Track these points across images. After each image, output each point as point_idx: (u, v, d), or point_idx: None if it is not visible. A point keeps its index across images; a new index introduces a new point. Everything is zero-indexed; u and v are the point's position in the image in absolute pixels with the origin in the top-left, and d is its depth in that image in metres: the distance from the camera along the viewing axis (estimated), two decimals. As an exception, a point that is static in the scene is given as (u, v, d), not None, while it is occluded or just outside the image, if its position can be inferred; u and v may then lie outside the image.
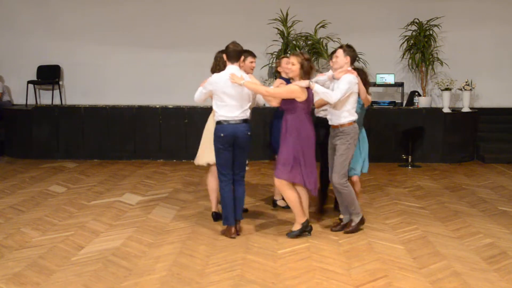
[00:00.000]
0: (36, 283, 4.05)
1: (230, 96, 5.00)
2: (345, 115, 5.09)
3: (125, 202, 6.51)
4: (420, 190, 7.23)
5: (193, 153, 9.29)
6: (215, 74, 5.11)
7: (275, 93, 5.02)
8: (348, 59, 5.12)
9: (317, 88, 4.91)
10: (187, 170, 8.55)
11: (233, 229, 5.13)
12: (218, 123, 5.06)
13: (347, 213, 5.33)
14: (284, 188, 5.01)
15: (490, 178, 8.03)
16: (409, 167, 8.90)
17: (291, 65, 4.96)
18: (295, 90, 4.88)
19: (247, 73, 5.65)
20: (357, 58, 5.91)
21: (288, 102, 4.96)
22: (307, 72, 4.94)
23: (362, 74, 5.36)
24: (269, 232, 5.28)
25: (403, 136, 9.11)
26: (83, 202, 6.52)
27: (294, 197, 5.03)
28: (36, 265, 4.41)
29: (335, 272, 4.28)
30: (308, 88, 4.93)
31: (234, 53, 5.04)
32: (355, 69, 5.33)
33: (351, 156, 5.18)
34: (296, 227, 5.13)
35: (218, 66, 5.32)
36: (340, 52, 5.15)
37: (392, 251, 4.77)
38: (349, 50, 5.16)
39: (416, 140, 9.16)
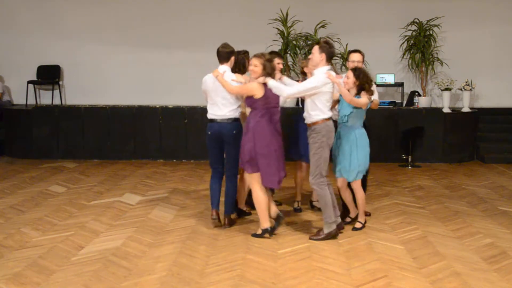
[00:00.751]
0: (36, 283, 4.05)
1: (217, 95, 5.23)
2: (316, 113, 4.98)
3: (125, 202, 6.51)
4: (420, 190, 7.23)
5: (193, 153, 9.38)
6: (207, 75, 5.33)
7: (234, 89, 5.12)
8: (323, 56, 4.98)
9: (270, 83, 4.94)
10: (187, 170, 8.56)
11: (213, 212, 5.37)
12: (209, 121, 5.33)
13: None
14: (256, 188, 5.04)
15: (490, 178, 8.03)
16: (409, 167, 8.90)
17: (254, 66, 5.03)
18: (253, 87, 5.00)
19: None
20: (335, 55, 5.91)
21: (249, 100, 5.09)
22: (269, 73, 5.01)
23: (363, 77, 5.14)
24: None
25: (403, 136, 9.11)
26: (83, 202, 6.52)
27: (262, 199, 5.02)
28: (36, 265, 4.41)
29: (335, 272, 4.28)
30: (266, 86, 4.97)
31: (223, 54, 5.27)
32: (355, 69, 5.23)
33: (326, 156, 5.01)
34: (258, 231, 5.14)
35: (236, 67, 5.44)
36: (315, 48, 5.03)
37: (392, 251, 4.77)
38: (325, 46, 5.00)
39: (416, 140, 9.16)
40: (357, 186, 5.32)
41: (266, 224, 5.08)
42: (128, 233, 5.26)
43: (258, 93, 4.98)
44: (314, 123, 5.00)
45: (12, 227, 5.48)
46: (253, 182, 5.05)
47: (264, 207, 5.04)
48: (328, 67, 5.04)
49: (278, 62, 5.78)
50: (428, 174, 8.35)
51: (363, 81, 5.13)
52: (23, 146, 9.58)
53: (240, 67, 5.45)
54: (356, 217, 5.47)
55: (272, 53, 5.96)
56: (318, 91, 4.94)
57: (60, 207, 6.26)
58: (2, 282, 4.06)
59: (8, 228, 5.43)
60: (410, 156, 9.03)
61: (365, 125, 5.62)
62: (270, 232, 5.08)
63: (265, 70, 4.99)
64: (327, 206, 5.00)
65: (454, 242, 5.03)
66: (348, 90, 5.16)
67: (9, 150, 9.77)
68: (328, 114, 5.01)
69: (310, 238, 5.06)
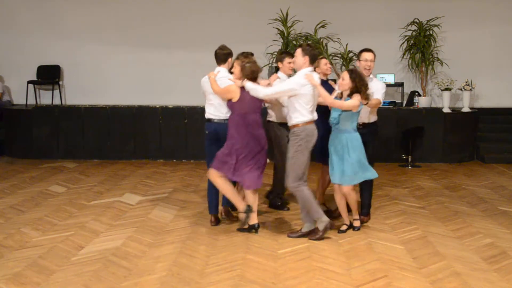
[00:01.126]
0: (36, 283, 4.05)
1: (214, 96, 5.31)
2: (296, 116, 4.96)
3: (125, 202, 6.51)
4: (420, 190, 7.24)
5: (193, 153, 9.38)
6: (205, 76, 5.42)
7: (216, 89, 5.19)
8: (306, 58, 4.95)
9: (247, 85, 4.99)
10: (187, 170, 8.56)
11: (212, 217, 5.53)
12: (207, 120, 5.43)
13: (307, 221, 5.07)
14: (215, 179, 5.14)
15: (490, 178, 8.03)
16: (409, 167, 8.90)
17: (233, 68, 5.13)
18: (231, 89, 5.08)
19: (287, 74, 5.82)
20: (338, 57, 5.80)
21: (228, 103, 5.18)
22: (247, 75, 5.05)
23: (359, 80, 4.94)
24: (269, 232, 5.28)
25: (403, 136, 9.11)
26: (83, 202, 6.52)
27: (225, 184, 5.13)
28: (36, 265, 4.41)
29: (335, 272, 4.28)
30: (243, 90, 5.01)
31: (221, 55, 5.38)
32: (351, 71, 5.05)
33: (304, 160, 4.94)
34: (240, 215, 5.20)
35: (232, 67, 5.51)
36: (298, 51, 5.01)
37: (392, 251, 4.77)
38: (308, 49, 4.97)
39: (416, 140, 9.16)
40: (348, 190, 5.12)
41: (241, 206, 5.13)
42: (128, 233, 5.26)
43: (235, 96, 5.06)
44: (294, 126, 4.98)
45: (12, 227, 5.48)
46: (212, 175, 5.16)
47: (230, 190, 5.15)
48: (311, 68, 5.01)
49: (289, 62, 5.79)
50: (428, 174, 8.35)
51: (359, 85, 4.95)
52: (23, 146, 9.58)
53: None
54: (351, 223, 5.34)
55: (283, 52, 6.05)
56: (296, 93, 4.92)
57: (60, 207, 6.26)
58: (2, 282, 4.06)
59: (8, 228, 5.43)
60: (410, 156, 9.03)
61: (376, 126, 5.51)
62: (249, 210, 5.11)
63: (243, 72, 5.05)
64: (311, 205, 4.96)
65: (454, 242, 5.03)
66: (342, 92, 5.06)
67: (9, 150, 9.77)
68: (309, 116, 4.96)
69: (310, 239, 5.03)
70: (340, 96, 5.12)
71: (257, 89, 4.99)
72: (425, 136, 9.22)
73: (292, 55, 5.91)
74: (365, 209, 5.58)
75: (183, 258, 4.57)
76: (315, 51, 5.04)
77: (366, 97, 4.98)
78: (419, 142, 9.21)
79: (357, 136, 5.09)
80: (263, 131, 5.22)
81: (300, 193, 4.96)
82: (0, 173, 8.23)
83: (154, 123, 9.45)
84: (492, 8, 10.32)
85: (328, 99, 4.98)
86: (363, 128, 5.33)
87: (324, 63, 5.80)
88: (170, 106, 9.50)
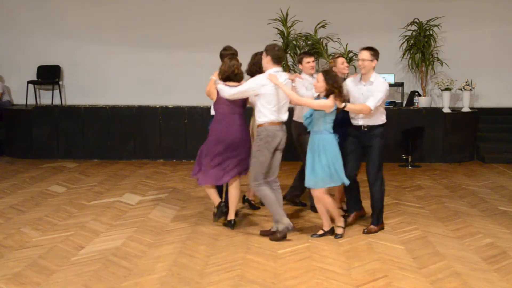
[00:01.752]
0: (36, 283, 4.05)
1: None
2: (259, 115, 5.01)
3: (125, 202, 6.51)
4: (420, 190, 7.24)
5: (193, 153, 9.34)
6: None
7: (206, 90, 5.31)
8: (269, 58, 5.00)
9: (218, 87, 5.12)
10: (187, 170, 8.55)
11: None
12: (210, 116, 5.55)
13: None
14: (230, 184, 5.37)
15: (490, 178, 8.03)
16: (409, 167, 8.91)
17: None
18: (211, 90, 5.23)
19: (308, 73, 5.78)
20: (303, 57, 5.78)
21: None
22: (220, 75, 5.17)
23: (332, 83, 4.79)
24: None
25: (403, 136, 9.11)
26: (83, 202, 6.52)
27: (231, 195, 5.34)
28: (36, 265, 4.42)
29: (335, 272, 4.28)
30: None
31: (224, 56, 5.44)
32: (326, 72, 4.89)
33: (264, 160, 4.93)
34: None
35: (254, 66, 5.54)
36: (264, 52, 5.09)
37: (392, 251, 4.77)
38: (270, 49, 5.00)
39: (416, 140, 9.16)
40: (319, 194, 4.96)
41: (231, 216, 5.38)
42: (128, 233, 5.26)
43: (213, 96, 5.22)
44: (258, 126, 5.04)
45: (12, 227, 5.48)
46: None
47: (233, 201, 5.34)
48: (276, 69, 5.01)
49: (308, 61, 5.72)
50: (428, 174, 8.35)
51: (332, 87, 4.78)
52: (23, 146, 9.58)
53: (256, 68, 5.46)
54: (331, 229, 5.13)
55: (302, 53, 6.10)
56: (256, 93, 4.97)
57: (60, 207, 6.26)
58: (2, 282, 4.06)
59: (8, 228, 5.43)
60: (410, 156, 9.03)
61: (381, 129, 5.22)
62: (232, 225, 5.34)
63: (220, 74, 5.18)
64: (271, 204, 4.99)
65: (454, 242, 5.03)
66: (319, 94, 4.93)
67: (9, 150, 9.76)
68: (271, 117, 4.95)
69: (270, 239, 5.01)
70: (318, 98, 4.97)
71: (223, 90, 5.09)
72: (425, 136, 9.22)
73: (309, 54, 5.95)
74: (373, 216, 5.35)
75: (183, 258, 4.57)
76: (277, 52, 5.03)
77: (341, 99, 4.84)
78: (419, 142, 9.21)
79: (332, 139, 4.91)
80: (243, 134, 5.22)
81: (260, 192, 5.03)
82: (0, 173, 8.23)
83: (154, 123, 9.45)
84: (492, 8, 10.32)
85: (292, 97, 4.95)
86: (367, 131, 5.17)
87: (341, 62, 5.73)
88: (170, 106, 9.50)
